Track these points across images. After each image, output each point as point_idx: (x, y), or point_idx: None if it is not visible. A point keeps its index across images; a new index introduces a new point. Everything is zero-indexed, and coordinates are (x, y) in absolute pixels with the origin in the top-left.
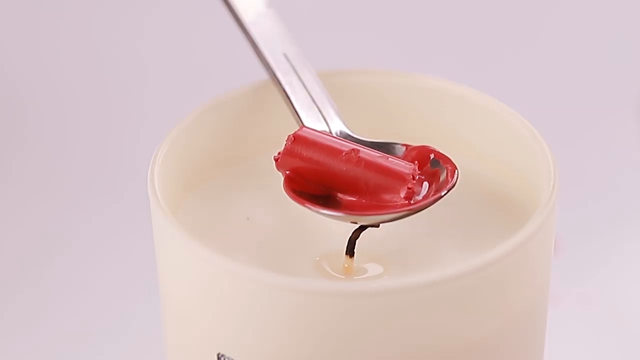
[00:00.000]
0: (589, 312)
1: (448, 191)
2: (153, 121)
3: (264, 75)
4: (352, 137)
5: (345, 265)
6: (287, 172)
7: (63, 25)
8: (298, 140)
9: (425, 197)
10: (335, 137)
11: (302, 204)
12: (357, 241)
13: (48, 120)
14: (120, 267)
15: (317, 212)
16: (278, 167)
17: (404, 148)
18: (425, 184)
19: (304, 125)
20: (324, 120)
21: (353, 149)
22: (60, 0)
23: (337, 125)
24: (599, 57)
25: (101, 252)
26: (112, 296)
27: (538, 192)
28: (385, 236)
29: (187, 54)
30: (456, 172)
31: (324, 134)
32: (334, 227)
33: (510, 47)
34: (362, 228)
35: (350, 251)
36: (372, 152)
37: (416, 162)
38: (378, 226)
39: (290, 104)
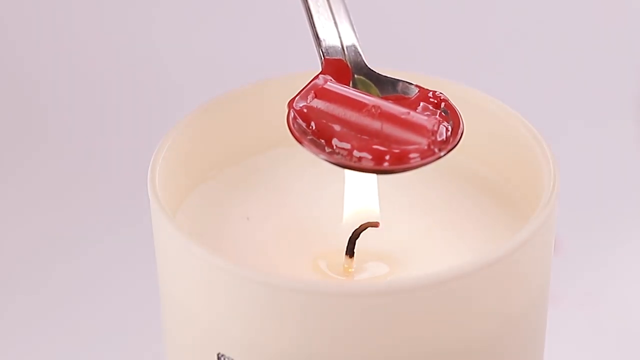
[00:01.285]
0: (589, 312)
1: (448, 152)
2: (153, 121)
3: (263, 75)
4: (368, 67)
5: (345, 266)
6: (301, 107)
7: (62, 26)
8: (320, 95)
9: (424, 156)
10: (355, 91)
11: (301, 142)
12: (357, 241)
13: (47, 120)
14: (121, 267)
15: (316, 155)
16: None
17: (417, 90)
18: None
19: (322, 74)
20: (336, 29)
21: (374, 105)
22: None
23: (350, 39)
24: (599, 57)
25: (101, 252)
26: (112, 296)
27: (538, 192)
28: (386, 236)
29: (188, 54)
30: (459, 132)
31: (344, 87)
32: (334, 227)
33: (510, 47)
34: (362, 228)
35: (350, 251)
36: (393, 107)
37: (424, 104)
38: (378, 225)
39: (310, 20)
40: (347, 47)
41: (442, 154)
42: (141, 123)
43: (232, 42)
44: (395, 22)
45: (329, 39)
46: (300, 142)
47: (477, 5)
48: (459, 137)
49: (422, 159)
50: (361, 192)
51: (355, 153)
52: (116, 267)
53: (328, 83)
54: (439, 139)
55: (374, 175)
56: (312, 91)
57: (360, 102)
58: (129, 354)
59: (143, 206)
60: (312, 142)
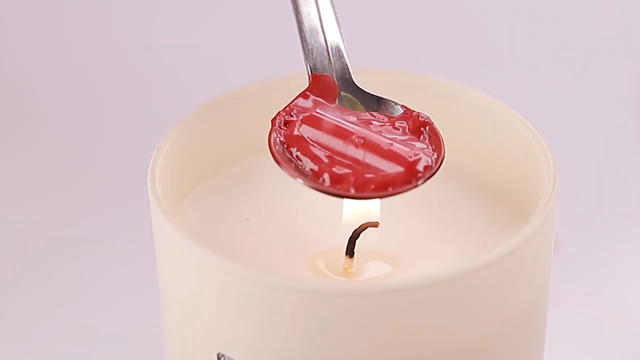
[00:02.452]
0: (589, 312)
1: (426, 180)
2: (153, 121)
3: (263, 75)
4: (355, 85)
5: (345, 266)
6: (286, 132)
7: (62, 26)
8: (307, 121)
9: (399, 184)
10: (343, 119)
11: (280, 164)
12: (356, 241)
13: (47, 119)
14: (121, 267)
15: (294, 178)
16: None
17: (402, 110)
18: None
19: (307, 92)
20: (326, 44)
21: (359, 136)
22: None
23: (339, 56)
24: (599, 57)
25: (101, 252)
26: (112, 296)
27: (538, 192)
28: (386, 236)
29: (188, 54)
30: (440, 159)
31: (329, 113)
32: (333, 227)
33: (511, 47)
34: (362, 228)
35: (350, 251)
36: (378, 137)
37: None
38: (377, 225)
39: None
40: (335, 64)
41: (419, 182)
42: (141, 123)
43: (233, 42)
44: (396, 22)
45: (318, 54)
46: (279, 164)
47: (478, 5)
48: (438, 164)
49: (398, 187)
50: None
51: (326, 177)
52: (116, 267)
53: (317, 110)
54: (417, 169)
55: None
56: (300, 117)
57: (346, 131)
58: (128, 354)
59: (143, 206)
60: (292, 165)
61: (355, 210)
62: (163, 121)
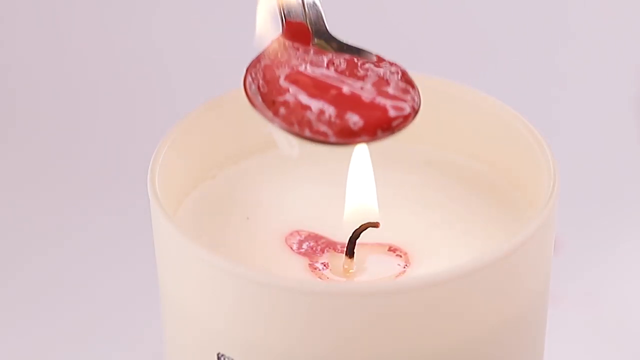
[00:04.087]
0: (589, 312)
1: (404, 127)
2: (153, 121)
3: None
4: (329, 33)
5: (345, 266)
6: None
7: (62, 25)
8: (290, 80)
9: (376, 131)
10: (326, 69)
11: (254, 106)
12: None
13: (48, 120)
14: (121, 267)
15: (269, 122)
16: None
17: (375, 59)
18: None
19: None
20: None
21: (339, 91)
22: None
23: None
24: (599, 57)
25: (101, 252)
26: (112, 296)
27: (538, 192)
28: (385, 236)
29: (188, 54)
30: (417, 110)
31: (314, 70)
32: (334, 227)
33: (510, 47)
34: (363, 228)
35: (350, 252)
36: (359, 93)
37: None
38: (378, 226)
39: None
40: (309, 11)
41: (396, 131)
42: (141, 123)
43: (232, 42)
44: (396, 22)
45: (291, 3)
46: (254, 107)
47: (477, 5)
48: (415, 114)
49: (375, 134)
50: (361, 192)
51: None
52: (116, 267)
53: (300, 70)
54: (397, 118)
55: (372, 175)
56: (284, 76)
57: (327, 85)
58: (128, 354)
59: (143, 206)
60: (268, 109)
61: (356, 210)
62: (163, 121)
